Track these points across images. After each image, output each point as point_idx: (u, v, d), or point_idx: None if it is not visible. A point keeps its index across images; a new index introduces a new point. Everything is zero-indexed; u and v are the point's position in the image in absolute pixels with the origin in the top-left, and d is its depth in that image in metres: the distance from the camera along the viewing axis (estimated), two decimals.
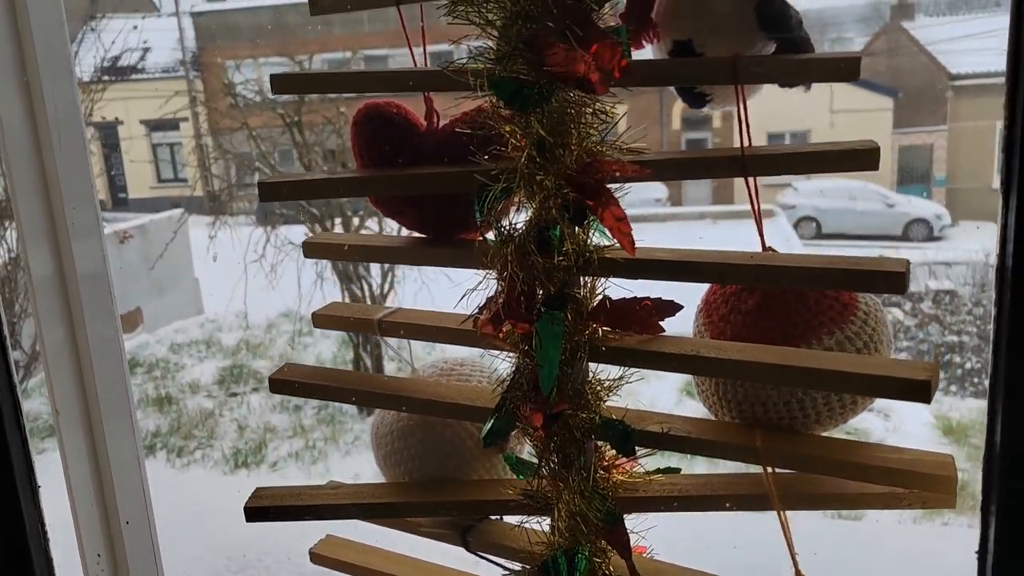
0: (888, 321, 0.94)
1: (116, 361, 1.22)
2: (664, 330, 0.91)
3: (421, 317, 1.02)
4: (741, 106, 0.85)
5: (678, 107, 14.66)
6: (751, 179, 0.89)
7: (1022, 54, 0.66)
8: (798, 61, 0.81)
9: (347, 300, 6.99)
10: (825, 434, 0.94)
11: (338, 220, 6.56)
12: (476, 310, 0.90)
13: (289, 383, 1.00)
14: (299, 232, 6.84)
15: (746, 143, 0.87)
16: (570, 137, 0.83)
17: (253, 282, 6.75)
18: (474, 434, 1.04)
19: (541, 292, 0.88)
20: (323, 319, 1.07)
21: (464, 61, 0.81)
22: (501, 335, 0.90)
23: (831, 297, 0.91)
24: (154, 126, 11.08)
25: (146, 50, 11.42)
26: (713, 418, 0.99)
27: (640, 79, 0.83)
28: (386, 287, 6.94)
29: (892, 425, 5.79)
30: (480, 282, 0.88)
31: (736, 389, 0.93)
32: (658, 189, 13.76)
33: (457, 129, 0.91)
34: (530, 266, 0.85)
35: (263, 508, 0.98)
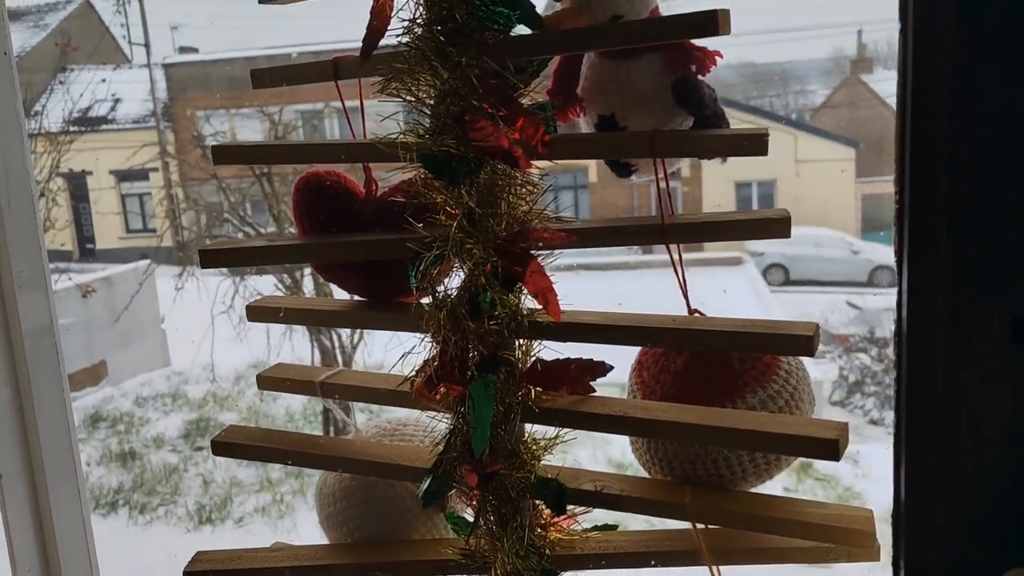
0: (810, 380, 0.98)
1: (62, 421, 1.22)
2: (595, 390, 0.94)
3: (361, 379, 1.04)
4: (661, 176, 0.89)
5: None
6: (675, 246, 0.93)
7: (907, 135, 0.71)
8: (710, 137, 0.86)
9: (317, 351, 6.96)
10: (755, 489, 0.97)
11: (307, 270, 6.57)
12: (412, 373, 0.93)
13: (229, 445, 1.01)
14: (268, 283, 6.83)
15: (670, 211, 0.91)
16: (499, 207, 0.87)
17: (221, 334, 6.71)
18: (416, 494, 1.06)
19: (475, 355, 0.91)
20: (268, 381, 1.09)
21: (395, 135, 0.85)
22: (437, 397, 0.93)
23: (754, 357, 0.94)
24: (123, 176, 11.06)
25: (117, 101, 11.47)
26: (647, 476, 1.01)
27: (565, 152, 0.87)
28: (356, 338, 6.92)
29: (861, 471, 5.84)
30: (415, 345, 0.90)
31: (667, 448, 0.96)
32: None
33: (392, 198, 0.95)
34: (462, 330, 0.88)
35: (203, 573, 0.99)
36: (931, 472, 0.75)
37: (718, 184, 14.51)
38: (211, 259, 0.95)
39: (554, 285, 0.85)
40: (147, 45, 11.48)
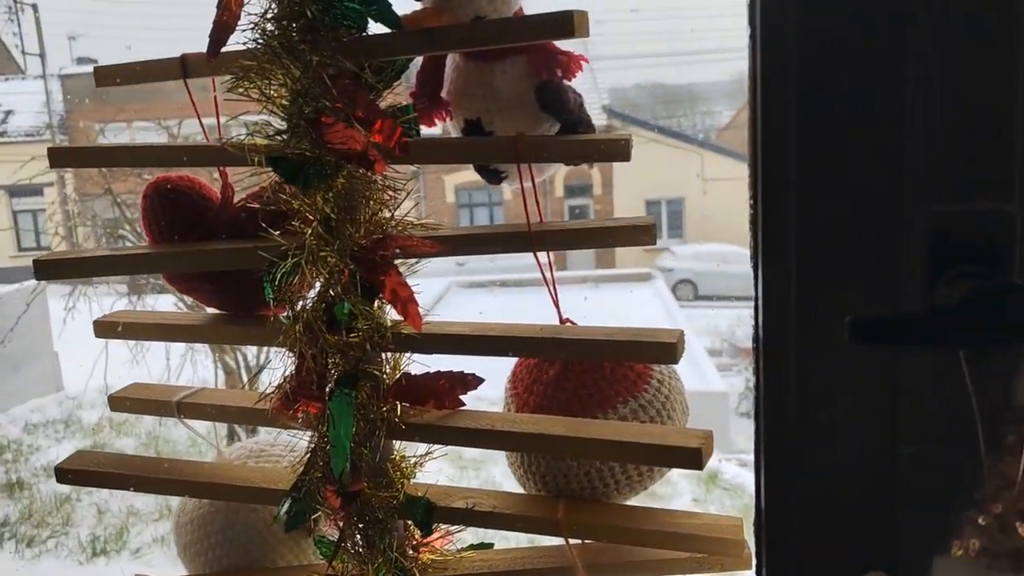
0: (683, 389, 0.97)
1: None
2: (464, 404, 0.91)
3: (222, 397, 0.98)
4: (530, 182, 0.87)
5: (561, 175, 15.12)
6: (545, 254, 0.91)
7: (758, 140, 0.71)
8: (574, 142, 0.84)
9: (220, 371, 6.71)
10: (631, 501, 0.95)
11: None
12: (270, 390, 0.88)
13: (74, 472, 0.94)
14: (168, 301, 6.55)
15: (537, 219, 0.89)
16: (358, 213, 0.83)
17: (116, 356, 6.40)
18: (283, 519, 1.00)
19: (335, 370, 0.86)
20: (121, 402, 1.01)
21: (243, 137, 0.81)
22: (298, 414, 0.88)
23: (626, 366, 0.93)
24: (14, 192, 10.51)
25: (8, 113, 10.92)
26: (522, 491, 0.99)
27: (427, 156, 0.84)
28: (263, 357, 6.71)
29: None
30: (268, 361, 0.85)
31: (539, 461, 0.94)
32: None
33: (249, 204, 0.90)
34: (320, 344, 0.84)
35: None
36: (790, 478, 0.74)
37: (629, 201, 14.79)
38: (46, 270, 0.87)
39: (415, 294, 0.82)
40: (42, 55, 10.97)
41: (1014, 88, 0.66)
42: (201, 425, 1.04)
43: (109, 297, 6.39)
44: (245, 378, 6.61)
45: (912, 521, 0.71)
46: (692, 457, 0.76)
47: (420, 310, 0.82)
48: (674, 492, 5.39)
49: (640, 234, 0.82)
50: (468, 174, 0.91)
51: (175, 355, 6.32)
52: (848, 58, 0.69)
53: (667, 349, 0.78)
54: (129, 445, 7.01)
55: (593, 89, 15.06)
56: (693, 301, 12.13)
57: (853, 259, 0.69)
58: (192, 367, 6.33)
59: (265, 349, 6.68)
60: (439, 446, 0.92)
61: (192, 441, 7.51)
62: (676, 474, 5.58)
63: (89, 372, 6.53)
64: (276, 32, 0.80)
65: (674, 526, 0.87)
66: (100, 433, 7.34)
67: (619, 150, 0.81)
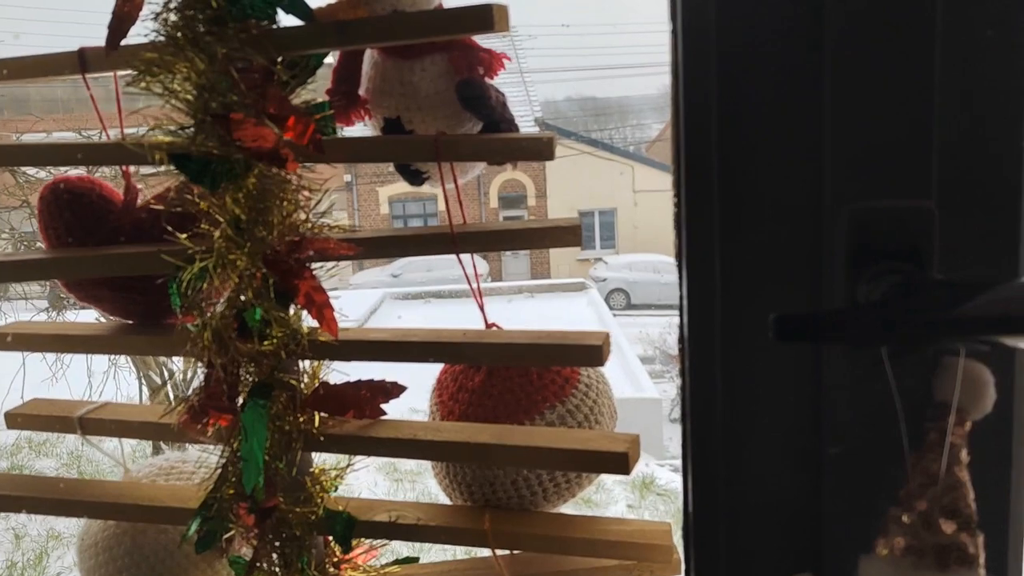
0: (612, 393, 0.96)
1: None
2: (385, 413, 0.87)
3: (127, 412, 0.92)
4: (452, 183, 0.85)
5: (495, 185, 15.16)
6: (471, 256, 0.88)
7: (680, 138, 0.69)
8: (496, 140, 0.82)
9: (144, 388, 6.47)
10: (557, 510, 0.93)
11: None
12: (174, 402, 0.83)
13: None
14: (91, 316, 6.30)
15: (462, 220, 0.86)
16: (271, 215, 0.79)
17: (35, 373, 6.11)
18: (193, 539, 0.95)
19: (247, 380, 0.82)
20: (19, 419, 0.95)
21: (143, 134, 0.76)
22: (206, 428, 0.83)
23: (553, 371, 0.91)
24: None
25: None
26: (449, 502, 0.95)
27: (344, 155, 0.80)
28: (190, 372, 6.50)
29: None
30: (172, 373, 0.80)
31: (465, 471, 0.91)
32: (480, 265, 14.05)
33: (154, 206, 0.85)
34: (230, 352, 0.79)
35: None
36: (717, 481, 0.73)
37: (563, 212, 14.91)
38: None
39: (331, 299, 0.78)
40: None
41: (931, 86, 0.67)
42: (129, 444, 0.97)
43: (28, 312, 6.11)
44: (171, 393, 6.38)
45: (839, 521, 0.71)
46: (619, 461, 0.74)
47: (337, 315, 0.78)
48: (609, 499, 5.41)
49: (564, 235, 0.81)
50: (402, 185, 0.89)
51: (97, 372, 6.08)
52: (766, 59, 0.68)
53: (592, 352, 0.76)
54: (49, 466, 6.70)
55: (525, 102, 15.15)
56: (626, 310, 12.29)
57: (776, 259, 0.69)
58: (116, 383, 6.09)
59: (195, 362, 6.48)
60: (361, 457, 0.88)
61: (118, 460, 7.23)
62: (611, 481, 5.61)
63: (6, 391, 6.23)
64: (180, 23, 0.75)
65: (603, 533, 0.86)
66: (18, 454, 7.00)
67: (541, 149, 0.79)
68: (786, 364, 0.70)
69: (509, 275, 14.67)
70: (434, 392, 0.97)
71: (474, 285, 0.90)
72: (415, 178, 0.91)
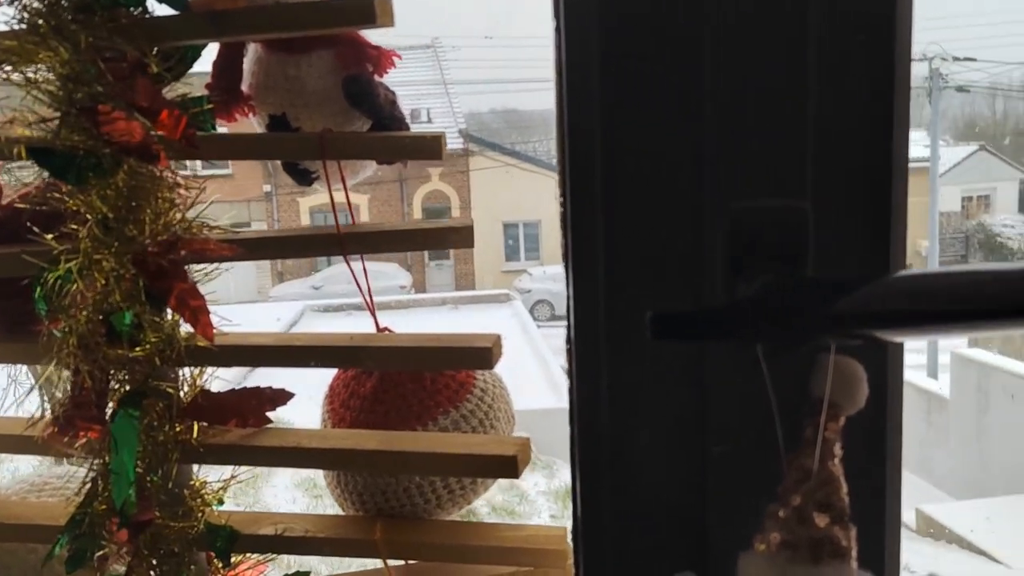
0: (509, 397, 0.94)
1: None
2: (271, 421, 0.84)
3: None
4: (338, 183, 0.82)
5: (419, 197, 15.09)
6: (358, 257, 0.86)
7: (565, 136, 0.69)
8: (384, 138, 0.80)
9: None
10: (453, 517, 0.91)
11: None
12: (40, 413, 0.78)
13: None
14: None
15: (349, 221, 0.84)
16: (143, 213, 0.75)
17: None
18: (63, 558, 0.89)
19: (119, 388, 0.77)
20: None
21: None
22: (75, 440, 0.78)
23: (448, 376, 0.89)
24: None
25: None
26: (341, 513, 0.92)
27: (222, 152, 0.77)
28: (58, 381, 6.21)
29: None
30: (27, 381, 0.76)
31: (356, 480, 0.88)
32: (402, 276, 13.93)
33: (17, 205, 0.80)
34: (100, 359, 0.75)
35: None
36: (604, 483, 0.72)
37: (487, 224, 14.95)
38: None
39: (207, 303, 0.75)
40: None
41: (805, 88, 0.68)
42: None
43: None
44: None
45: (724, 519, 0.71)
46: (508, 465, 0.72)
47: (214, 319, 0.75)
48: (532, 510, 5.41)
49: (454, 236, 0.79)
50: (324, 196, 0.85)
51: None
52: (648, 60, 0.68)
53: (482, 354, 0.75)
54: None
55: (449, 113, 15.15)
56: (551, 321, 12.36)
57: (658, 259, 0.69)
58: (14, 399, 5.79)
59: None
60: (246, 468, 0.85)
61: (20, 478, 6.86)
62: (534, 492, 5.61)
63: None
64: (43, 10, 0.71)
65: (498, 540, 0.84)
66: None
67: (430, 147, 0.77)
68: (670, 364, 0.70)
69: (433, 287, 14.61)
70: (326, 400, 0.94)
71: (364, 289, 0.87)
72: (303, 178, 0.88)
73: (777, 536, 0.60)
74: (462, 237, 0.80)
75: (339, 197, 0.85)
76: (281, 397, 0.84)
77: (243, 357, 0.80)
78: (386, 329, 0.90)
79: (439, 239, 0.80)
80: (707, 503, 0.70)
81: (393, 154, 0.80)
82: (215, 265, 0.80)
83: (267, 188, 13.40)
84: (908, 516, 5.96)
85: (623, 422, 0.70)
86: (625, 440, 0.71)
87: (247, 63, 0.84)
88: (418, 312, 9.70)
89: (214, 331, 0.74)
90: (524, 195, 14.20)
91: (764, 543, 0.62)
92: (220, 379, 0.84)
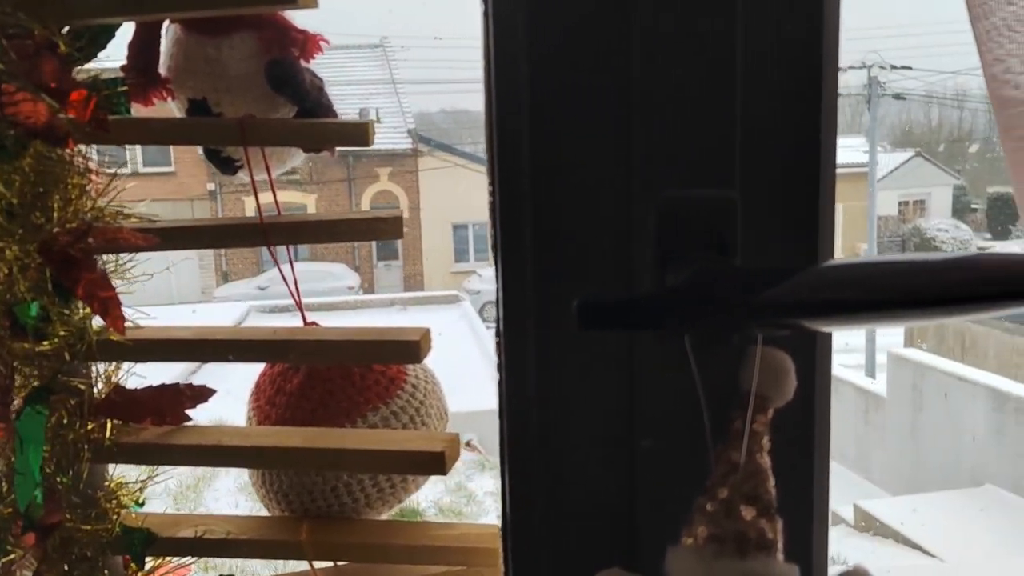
0: (441, 394, 0.92)
1: None
2: (189, 419, 0.81)
3: None
4: (259, 171, 0.79)
5: (367, 197, 14.94)
6: (284, 249, 0.83)
7: (493, 124, 0.67)
8: (308, 125, 0.78)
9: None
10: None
11: None
12: None
13: None
14: None
15: (277, 212, 0.81)
16: (51, 199, 0.71)
17: None
18: None
19: (25, 384, 0.73)
20: None
21: None
22: None
23: (377, 371, 0.86)
24: None
25: None
26: (267, 514, 0.89)
27: (138, 136, 0.74)
28: None
29: None
30: None
31: (281, 479, 0.85)
32: (350, 277, 13.78)
33: None
34: (3, 353, 0.71)
35: None
36: (533, 478, 0.70)
37: (437, 225, 14.89)
38: None
39: (118, 294, 0.71)
40: None
41: (733, 78, 0.67)
42: None
43: None
44: None
45: (654, 514, 0.70)
46: (435, 462, 0.71)
47: (125, 312, 0.71)
48: (480, 511, 5.39)
49: (383, 226, 0.77)
50: (270, 195, 0.82)
51: None
52: (576, 47, 0.67)
53: (410, 348, 0.73)
54: None
55: (398, 113, 15.05)
56: None
57: (587, 249, 0.67)
58: None
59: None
60: (165, 468, 0.81)
61: None
62: (482, 492, 5.59)
63: None
64: None
65: (428, 539, 0.82)
66: None
67: (357, 134, 0.75)
68: (599, 357, 0.68)
69: (382, 287, 14.48)
70: (251, 397, 0.91)
71: (291, 284, 0.85)
72: (226, 166, 0.85)
73: (704, 530, 0.60)
74: (391, 228, 0.77)
75: (285, 195, 0.82)
76: (202, 394, 0.81)
77: (159, 352, 0.77)
78: (313, 323, 0.87)
79: (366, 230, 0.78)
80: (636, 497, 0.69)
81: (318, 141, 0.77)
82: (129, 256, 0.76)
83: (211, 187, 13.13)
84: (846, 512, 6.10)
85: (552, 416, 0.69)
86: (554, 434, 0.69)
87: (165, 45, 0.80)
88: (365, 313, 9.60)
89: (126, 324, 0.71)
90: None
91: (692, 537, 0.61)
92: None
